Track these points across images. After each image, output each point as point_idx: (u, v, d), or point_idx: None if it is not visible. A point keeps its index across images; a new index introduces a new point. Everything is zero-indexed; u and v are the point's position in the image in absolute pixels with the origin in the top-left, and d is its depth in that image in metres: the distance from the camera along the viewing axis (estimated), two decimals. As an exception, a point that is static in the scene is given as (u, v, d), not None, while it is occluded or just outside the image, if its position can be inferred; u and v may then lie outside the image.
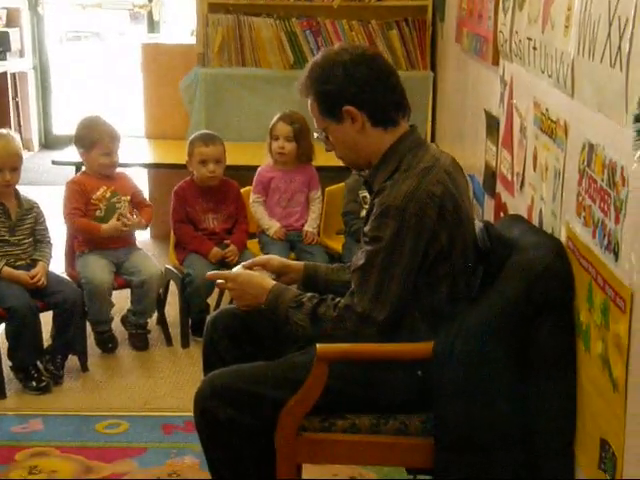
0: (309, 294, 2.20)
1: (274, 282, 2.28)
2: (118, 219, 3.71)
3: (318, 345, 2.05)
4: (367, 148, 2.18)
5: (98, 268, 3.66)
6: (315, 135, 2.29)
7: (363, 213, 3.62)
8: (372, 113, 2.14)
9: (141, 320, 3.84)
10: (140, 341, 3.85)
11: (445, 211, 2.06)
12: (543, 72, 2.23)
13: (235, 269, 2.38)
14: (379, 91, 2.14)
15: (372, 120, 2.15)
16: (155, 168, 5.19)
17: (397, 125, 2.18)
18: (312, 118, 2.25)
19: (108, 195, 3.74)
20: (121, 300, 3.87)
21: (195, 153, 3.84)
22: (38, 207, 3.59)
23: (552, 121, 2.16)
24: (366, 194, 3.46)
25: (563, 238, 2.02)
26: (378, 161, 2.18)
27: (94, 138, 3.70)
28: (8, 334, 3.39)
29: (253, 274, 2.32)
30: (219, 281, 2.36)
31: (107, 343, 3.79)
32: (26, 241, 3.51)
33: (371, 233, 2.10)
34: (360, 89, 2.12)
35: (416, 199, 2.04)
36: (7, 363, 3.46)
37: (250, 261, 2.45)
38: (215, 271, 2.41)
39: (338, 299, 2.14)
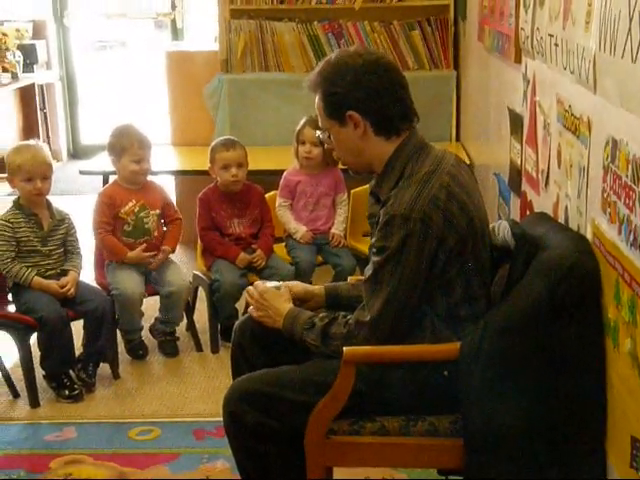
0: (322, 314, 2.23)
1: (290, 307, 2.30)
2: (145, 249, 3.73)
3: (345, 348, 2.05)
4: (367, 154, 2.18)
5: (129, 278, 3.69)
6: (318, 133, 2.29)
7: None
8: (376, 122, 2.14)
9: (169, 329, 3.87)
10: (170, 348, 3.87)
11: (450, 214, 2.05)
12: (565, 68, 2.22)
13: (261, 286, 2.39)
14: (385, 101, 2.13)
15: (375, 128, 2.14)
16: (181, 175, 5.22)
17: (400, 135, 2.17)
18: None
19: (137, 210, 3.76)
20: (149, 307, 3.90)
21: (217, 159, 3.86)
22: (69, 218, 3.62)
23: (575, 117, 2.14)
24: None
25: (589, 235, 2.01)
26: (382, 171, 2.18)
27: (124, 145, 3.73)
28: (40, 343, 3.42)
29: (277, 296, 2.34)
30: (249, 288, 2.39)
31: (138, 350, 3.82)
32: (57, 252, 3.54)
33: (378, 243, 2.10)
34: (366, 97, 2.12)
35: (420, 206, 2.03)
36: (40, 372, 3.49)
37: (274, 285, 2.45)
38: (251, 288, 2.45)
39: (349, 317, 2.16)
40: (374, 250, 2.12)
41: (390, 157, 2.16)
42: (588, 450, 1.90)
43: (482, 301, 2.13)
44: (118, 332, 3.77)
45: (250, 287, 2.42)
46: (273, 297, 2.33)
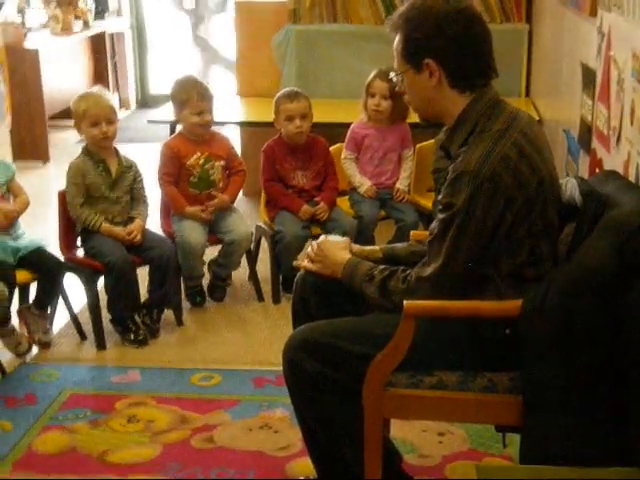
0: (381, 267, 2.21)
1: (349, 256, 2.29)
2: (210, 200, 3.77)
3: (405, 301, 2.05)
4: (438, 106, 2.14)
5: (193, 229, 3.74)
6: (392, 74, 2.25)
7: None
8: (452, 73, 2.09)
9: (222, 273, 3.93)
10: (219, 292, 3.95)
11: (520, 174, 2.01)
12: (642, 22, 2.15)
13: (320, 238, 2.40)
14: (466, 54, 2.08)
15: (450, 80, 2.10)
16: (247, 126, 5.24)
17: (474, 90, 2.12)
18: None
19: (202, 162, 3.79)
20: (211, 251, 3.94)
21: (281, 110, 3.86)
22: (136, 166, 3.67)
23: (650, 73, 2.08)
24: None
25: (660, 194, 1.96)
26: (453, 124, 2.14)
27: (184, 98, 3.75)
28: (107, 288, 3.51)
29: (334, 246, 2.34)
30: (308, 250, 2.41)
31: (196, 297, 3.89)
32: (124, 199, 3.60)
33: (444, 200, 2.07)
34: (447, 46, 2.07)
35: (490, 164, 2.00)
36: (107, 316, 3.58)
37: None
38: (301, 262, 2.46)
39: (409, 271, 2.14)
40: (440, 207, 2.10)
41: (463, 111, 2.12)
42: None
43: (548, 262, 2.10)
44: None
45: (313, 242, 2.43)
46: (330, 247, 2.33)
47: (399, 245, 2.53)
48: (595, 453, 1.95)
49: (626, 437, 1.92)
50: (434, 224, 2.13)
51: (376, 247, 2.52)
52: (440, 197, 2.11)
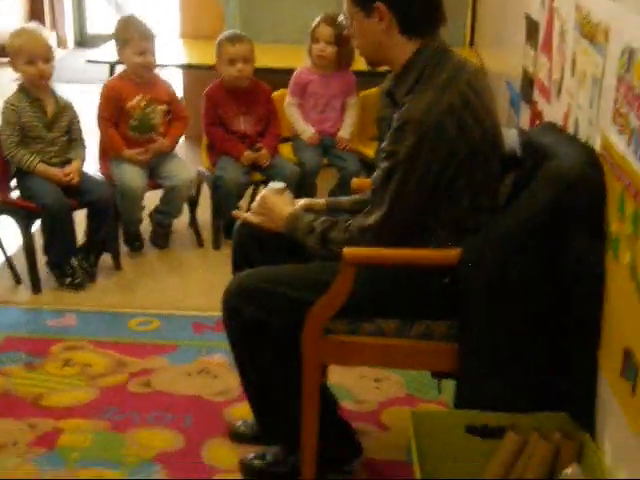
0: (322, 218, 2.20)
1: (292, 210, 2.28)
2: (142, 151, 3.70)
3: (345, 249, 2.06)
4: (387, 51, 2.12)
5: (133, 173, 3.68)
6: (340, 17, 2.22)
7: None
8: (402, 19, 2.07)
9: (165, 220, 3.89)
10: (161, 239, 3.92)
11: (464, 124, 2.01)
12: (587, -27, 2.15)
13: (263, 191, 2.38)
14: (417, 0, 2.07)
15: (400, 26, 2.08)
16: (189, 69, 5.14)
17: (424, 37, 2.11)
18: None
19: (143, 104, 3.72)
20: (152, 201, 3.90)
21: (222, 53, 3.80)
22: (73, 107, 3.59)
23: (593, 25, 2.09)
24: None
25: (597, 147, 1.98)
26: (400, 71, 2.12)
27: (126, 37, 3.68)
28: (43, 230, 3.45)
29: (279, 201, 2.32)
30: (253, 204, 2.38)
31: (134, 241, 3.86)
32: (61, 139, 3.53)
33: (388, 147, 2.06)
34: None
35: (435, 113, 1.99)
36: (43, 259, 3.52)
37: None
38: (240, 212, 2.44)
39: (350, 221, 2.14)
40: (383, 154, 2.09)
41: (410, 58, 2.10)
42: (581, 359, 1.92)
43: (488, 213, 2.11)
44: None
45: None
46: (274, 201, 2.31)
47: (344, 197, 2.53)
48: (527, 399, 2.01)
49: (554, 382, 1.97)
50: (377, 172, 2.12)
51: (321, 200, 2.51)
52: (383, 145, 2.11)
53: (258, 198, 2.36)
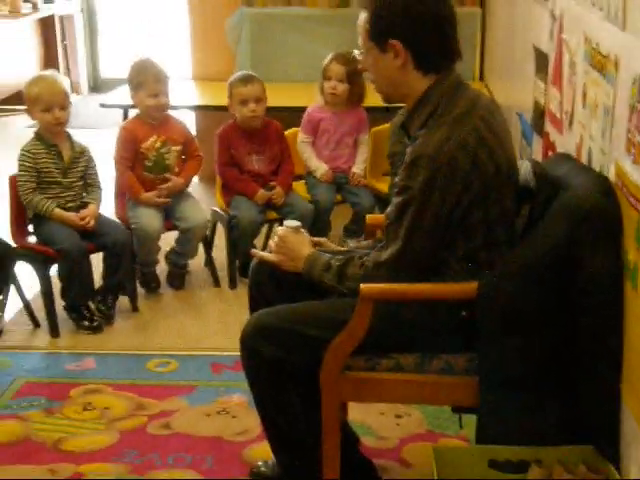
0: (339, 256, 2.20)
1: (311, 250, 2.27)
2: (158, 194, 3.72)
3: (362, 285, 2.05)
4: (402, 87, 2.13)
5: (149, 215, 3.70)
6: (356, 52, 2.23)
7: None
8: (417, 55, 2.08)
9: (181, 261, 3.90)
10: (177, 280, 3.92)
11: (478, 160, 2.01)
12: (594, 5, 2.16)
13: (281, 230, 2.37)
14: (432, 36, 2.07)
15: (415, 62, 2.09)
16: (201, 110, 5.19)
17: (439, 72, 2.12)
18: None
19: (158, 145, 3.75)
20: (168, 242, 3.91)
21: (234, 94, 3.84)
22: (89, 151, 3.62)
23: (602, 56, 2.10)
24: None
25: (612, 176, 1.98)
26: (413, 105, 2.13)
27: (140, 80, 3.72)
28: (60, 275, 3.46)
29: (297, 241, 2.31)
30: (270, 242, 2.39)
31: (151, 283, 3.87)
32: (77, 184, 3.55)
33: (401, 183, 2.06)
34: (413, 28, 2.06)
35: (448, 148, 1.99)
36: (61, 303, 3.53)
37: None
38: (258, 251, 2.45)
39: (365, 258, 2.14)
40: (396, 189, 2.09)
41: (424, 92, 2.11)
42: (604, 390, 1.91)
43: (504, 247, 2.11)
44: (137, 265, 3.79)
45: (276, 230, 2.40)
46: (293, 241, 2.31)
47: (364, 242, 2.52)
48: (549, 431, 1.99)
49: (577, 415, 1.95)
50: (390, 208, 2.12)
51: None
52: (397, 180, 2.11)
53: (276, 237, 2.36)
